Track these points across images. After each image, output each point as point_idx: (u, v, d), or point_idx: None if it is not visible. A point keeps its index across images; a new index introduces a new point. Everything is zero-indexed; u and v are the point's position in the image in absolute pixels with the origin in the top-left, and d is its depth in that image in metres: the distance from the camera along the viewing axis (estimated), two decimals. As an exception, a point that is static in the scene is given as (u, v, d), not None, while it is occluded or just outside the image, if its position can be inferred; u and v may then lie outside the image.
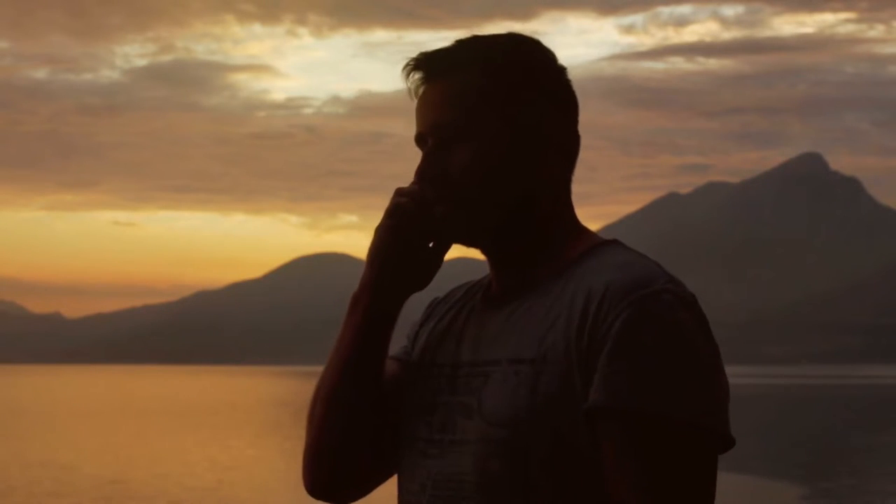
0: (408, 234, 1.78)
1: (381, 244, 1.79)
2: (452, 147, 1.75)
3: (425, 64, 1.77)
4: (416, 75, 1.77)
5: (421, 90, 1.78)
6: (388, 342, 1.83)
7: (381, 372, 1.83)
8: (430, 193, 1.76)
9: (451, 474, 1.72)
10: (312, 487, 1.86)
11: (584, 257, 1.74)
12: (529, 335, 1.70)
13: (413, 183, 1.77)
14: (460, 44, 1.78)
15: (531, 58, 1.78)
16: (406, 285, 1.82)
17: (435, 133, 1.76)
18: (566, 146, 1.78)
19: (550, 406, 1.65)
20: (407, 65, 1.77)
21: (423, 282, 1.83)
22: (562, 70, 1.80)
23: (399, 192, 1.78)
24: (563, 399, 1.64)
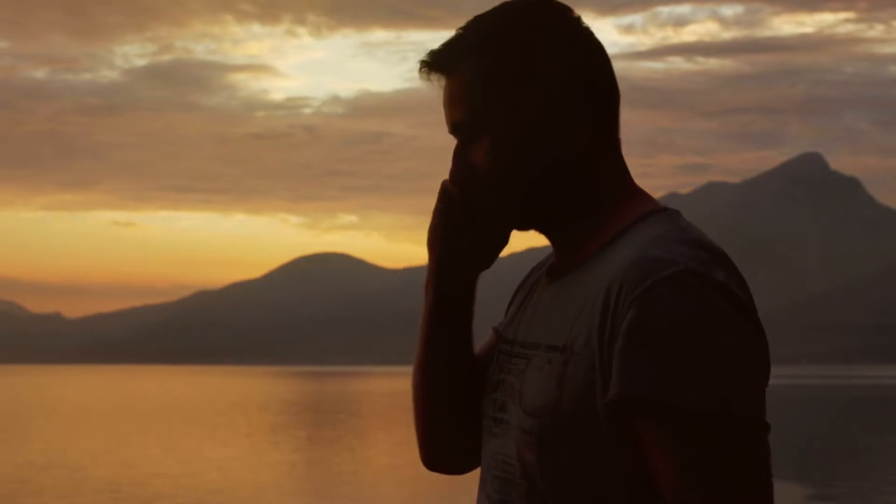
0: (456, 217, 1.77)
1: (432, 227, 1.80)
2: (473, 143, 1.73)
3: (431, 63, 1.75)
4: (427, 75, 1.76)
5: (442, 85, 1.76)
6: (463, 321, 1.83)
7: (464, 350, 1.83)
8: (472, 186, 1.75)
9: (505, 456, 1.72)
10: (424, 462, 1.90)
11: (625, 231, 1.68)
12: (563, 320, 1.67)
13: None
14: (459, 33, 1.75)
15: (527, 29, 1.72)
16: (465, 265, 1.80)
17: (456, 133, 1.76)
18: (594, 104, 1.72)
19: (576, 398, 1.61)
20: (420, 67, 1.76)
21: (483, 261, 1.81)
22: (569, 24, 1.73)
23: (447, 180, 1.78)
24: (587, 391, 1.60)
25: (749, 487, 1.55)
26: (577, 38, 1.73)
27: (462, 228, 1.78)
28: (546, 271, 1.80)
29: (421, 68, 1.75)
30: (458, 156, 1.75)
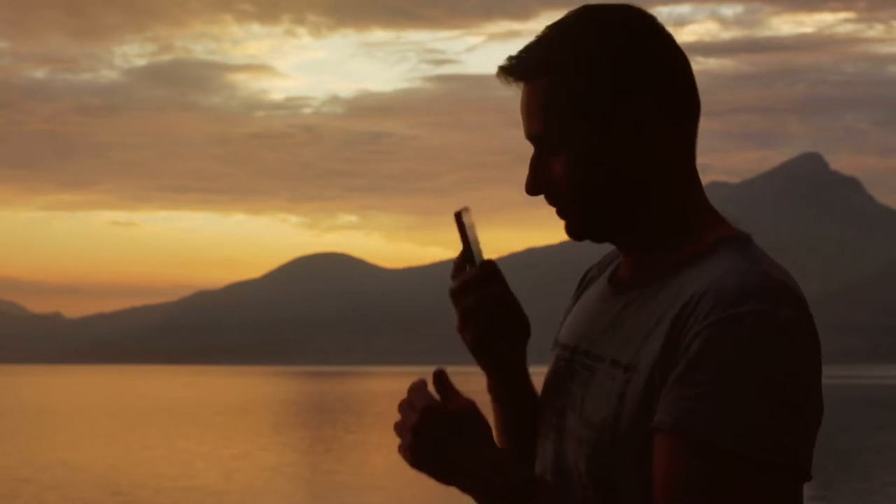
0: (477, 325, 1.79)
1: (460, 328, 1.81)
2: (551, 157, 1.70)
3: (511, 69, 1.71)
4: (507, 80, 1.71)
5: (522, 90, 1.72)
6: (520, 385, 1.85)
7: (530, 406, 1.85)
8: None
9: (561, 462, 1.73)
10: None
11: (702, 255, 1.66)
12: (631, 337, 1.66)
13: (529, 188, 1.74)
14: (544, 37, 1.70)
15: (617, 43, 1.67)
16: (501, 344, 1.81)
17: (533, 143, 1.73)
18: (678, 125, 1.70)
19: (633, 417, 1.61)
20: (499, 72, 1.72)
21: (519, 334, 1.82)
22: (660, 39, 1.70)
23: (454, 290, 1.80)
24: (645, 412, 1.60)
25: None
26: (668, 53, 1.69)
27: (486, 325, 1.79)
28: (609, 278, 1.80)
29: (500, 73, 1.71)
30: (535, 166, 1.72)
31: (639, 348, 1.63)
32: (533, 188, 1.72)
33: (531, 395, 1.85)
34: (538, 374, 1.83)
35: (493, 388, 1.85)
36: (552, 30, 1.70)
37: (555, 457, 1.74)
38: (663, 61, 1.68)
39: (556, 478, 1.73)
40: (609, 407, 1.64)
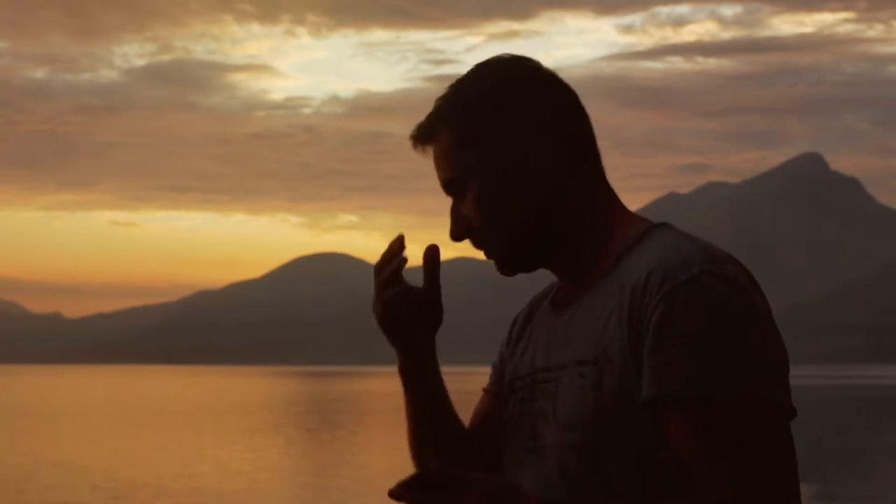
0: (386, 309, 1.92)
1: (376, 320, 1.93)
2: (462, 199, 1.83)
3: (416, 136, 1.87)
4: (417, 148, 1.88)
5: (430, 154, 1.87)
6: (430, 373, 1.95)
7: (440, 403, 1.95)
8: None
9: (546, 479, 1.77)
10: None
11: (632, 248, 1.77)
12: (589, 335, 1.74)
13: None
14: (438, 103, 1.86)
15: (497, 86, 1.82)
16: (411, 324, 1.93)
17: (447, 192, 1.86)
18: (572, 145, 1.82)
19: (616, 402, 1.69)
20: (411, 144, 1.89)
21: (430, 319, 1.94)
22: (537, 76, 1.84)
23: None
24: (626, 394, 1.68)
25: (778, 470, 1.64)
26: (546, 87, 1.83)
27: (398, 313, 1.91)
28: (551, 303, 1.89)
29: (412, 144, 1.88)
30: (453, 213, 1.85)
31: (600, 341, 1.72)
32: (455, 234, 1.85)
33: (441, 385, 1.95)
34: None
35: (403, 370, 1.94)
36: (446, 92, 1.86)
37: (540, 479, 1.78)
38: (547, 95, 1.81)
39: (546, 497, 1.75)
40: (586, 402, 1.71)
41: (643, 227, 1.80)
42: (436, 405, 1.95)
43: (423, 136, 1.87)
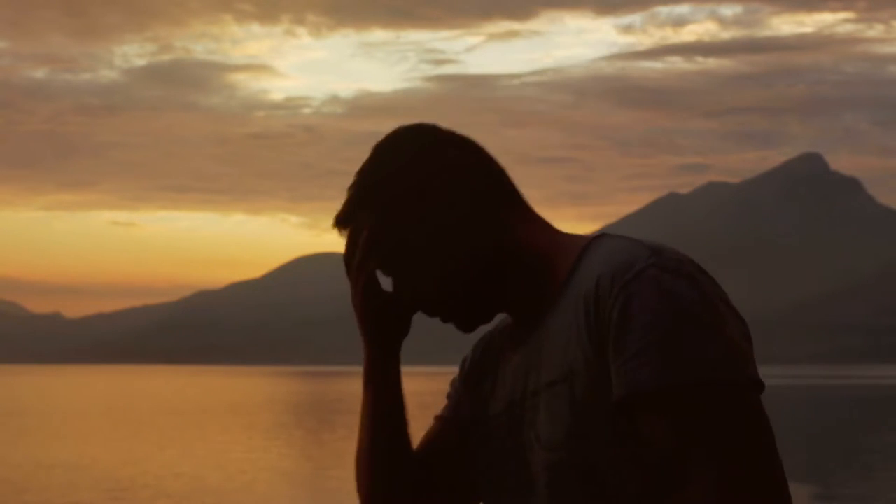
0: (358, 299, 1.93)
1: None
2: (400, 278, 1.89)
3: (336, 224, 1.92)
4: (340, 232, 1.92)
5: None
6: (396, 374, 1.96)
7: (397, 413, 1.95)
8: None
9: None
10: None
11: (577, 264, 1.78)
12: (556, 356, 1.75)
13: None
14: (349, 190, 1.90)
15: (403, 165, 1.86)
16: (392, 320, 1.94)
17: (385, 274, 1.92)
18: (490, 196, 1.84)
19: (593, 413, 1.70)
20: (333, 226, 1.92)
21: (402, 325, 1.94)
22: (440, 142, 1.87)
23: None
24: (602, 402, 1.69)
25: (757, 446, 1.65)
26: (450, 149, 1.86)
27: (370, 308, 1.93)
28: (510, 339, 1.90)
29: (336, 230, 1.92)
30: (395, 291, 1.91)
31: (566, 358, 1.73)
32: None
33: (402, 396, 1.96)
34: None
35: (376, 367, 1.95)
36: (355, 178, 1.91)
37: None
38: (452, 157, 1.85)
39: None
40: (564, 419, 1.72)
41: (583, 243, 1.81)
42: (396, 412, 1.95)
43: (342, 221, 1.90)
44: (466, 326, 1.88)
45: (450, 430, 1.96)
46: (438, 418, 1.99)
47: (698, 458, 1.63)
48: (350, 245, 1.91)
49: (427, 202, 1.83)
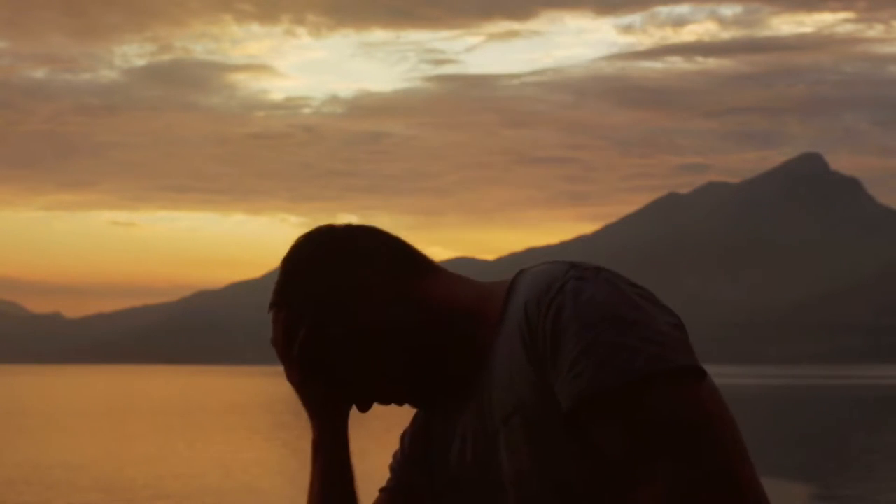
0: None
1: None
2: (341, 380, 1.92)
3: (270, 307, 1.99)
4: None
5: None
6: (346, 442, 1.98)
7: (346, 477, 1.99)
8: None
9: None
10: None
11: (506, 305, 1.80)
12: (504, 393, 1.77)
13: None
14: (275, 287, 2.00)
15: (314, 258, 1.92)
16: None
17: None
18: (405, 279, 1.87)
19: (551, 435, 1.71)
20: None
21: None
22: (352, 237, 1.90)
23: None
24: (556, 422, 1.70)
25: (709, 438, 1.63)
26: (359, 246, 1.89)
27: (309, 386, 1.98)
28: (455, 397, 1.89)
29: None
30: (348, 396, 1.93)
31: (513, 390, 1.75)
32: (360, 409, 1.94)
33: (349, 462, 2.00)
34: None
35: (321, 439, 1.96)
36: (279, 277, 2.00)
37: None
38: (362, 254, 1.87)
39: None
40: (527, 447, 1.74)
41: (505, 286, 1.83)
42: (344, 484, 1.99)
43: (273, 305, 1.99)
44: (420, 406, 1.93)
45: (395, 500, 1.99)
46: (383, 490, 2.01)
47: (650, 458, 1.62)
48: (276, 332, 1.97)
49: (352, 303, 1.85)
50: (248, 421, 46.47)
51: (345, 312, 1.86)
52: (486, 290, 1.86)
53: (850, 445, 33.16)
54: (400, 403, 1.90)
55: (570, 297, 1.69)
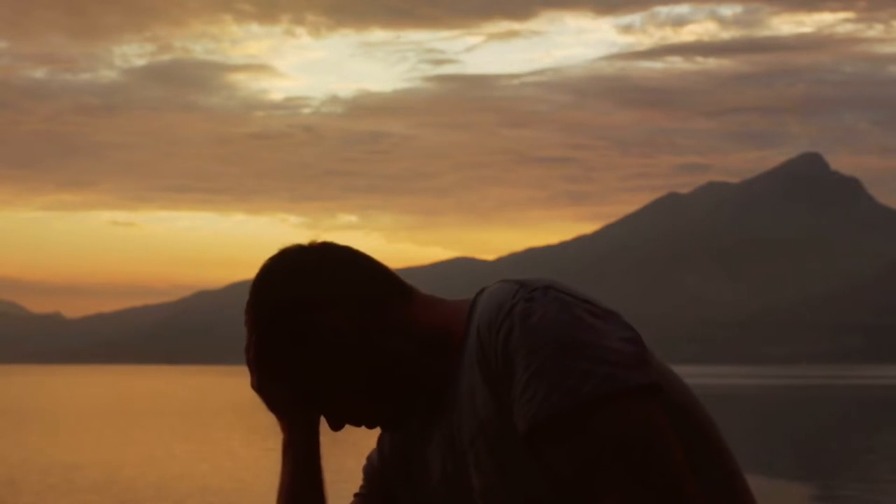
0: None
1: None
2: (317, 402, 1.98)
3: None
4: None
5: None
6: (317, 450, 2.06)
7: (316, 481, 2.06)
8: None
9: None
10: None
11: (468, 326, 1.82)
12: (469, 414, 1.78)
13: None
14: (245, 316, 2.02)
15: (266, 287, 1.94)
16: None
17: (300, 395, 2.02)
18: (376, 301, 1.85)
19: (515, 454, 1.71)
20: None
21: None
22: (328, 258, 1.88)
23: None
24: (518, 443, 1.70)
25: (661, 459, 1.63)
26: (333, 267, 1.88)
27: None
28: (424, 418, 1.90)
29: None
30: (327, 415, 1.97)
31: (475, 411, 1.77)
32: (331, 426, 1.97)
33: (318, 465, 2.06)
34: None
35: (291, 441, 2.09)
36: (249, 298, 2.01)
37: None
38: (336, 275, 1.86)
39: None
40: (489, 469, 1.76)
41: (467, 305, 1.84)
42: (313, 487, 2.04)
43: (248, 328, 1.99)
44: (394, 428, 1.92)
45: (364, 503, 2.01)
46: (357, 496, 2.03)
47: (600, 479, 1.62)
48: (248, 346, 1.99)
49: (322, 326, 1.84)
50: (247, 421, 46.46)
51: (303, 322, 1.84)
52: (450, 309, 1.86)
53: (850, 445, 33.14)
54: (370, 426, 1.90)
55: (518, 319, 1.68)
